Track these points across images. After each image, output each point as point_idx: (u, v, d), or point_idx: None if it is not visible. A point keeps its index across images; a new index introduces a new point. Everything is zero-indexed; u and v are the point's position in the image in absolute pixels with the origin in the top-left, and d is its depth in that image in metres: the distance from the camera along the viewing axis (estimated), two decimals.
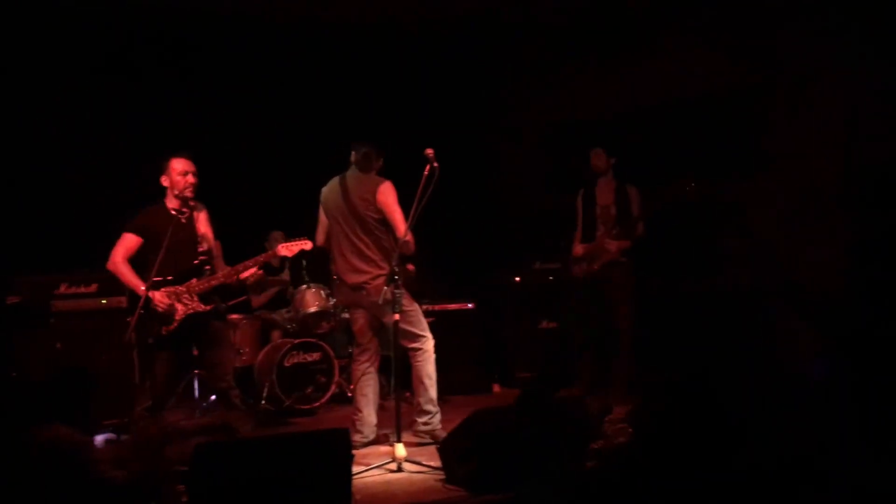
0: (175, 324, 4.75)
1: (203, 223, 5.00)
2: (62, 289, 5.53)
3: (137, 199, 6.01)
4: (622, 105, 7.25)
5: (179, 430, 4.98)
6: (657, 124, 7.02)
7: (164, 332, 4.73)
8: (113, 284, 5.66)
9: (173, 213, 4.88)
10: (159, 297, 4.72)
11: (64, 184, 6.35)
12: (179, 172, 4.88)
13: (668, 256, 6.86)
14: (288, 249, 5.08)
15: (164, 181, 4.91)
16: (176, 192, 4.89)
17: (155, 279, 4.69)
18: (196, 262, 4.87)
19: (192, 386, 6.10)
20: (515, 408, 4.43)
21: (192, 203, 4.95)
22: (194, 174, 4.90)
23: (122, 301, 5.64)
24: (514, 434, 4.17)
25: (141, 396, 4.76)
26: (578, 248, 6.25)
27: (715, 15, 6.40)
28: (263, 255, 5.03)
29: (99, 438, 5.00)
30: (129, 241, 4.82)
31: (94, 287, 5.60)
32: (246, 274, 4.98)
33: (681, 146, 6.79)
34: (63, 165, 6.38)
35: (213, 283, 4.88)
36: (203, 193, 5.04)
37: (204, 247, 4.93)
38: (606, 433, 4.71)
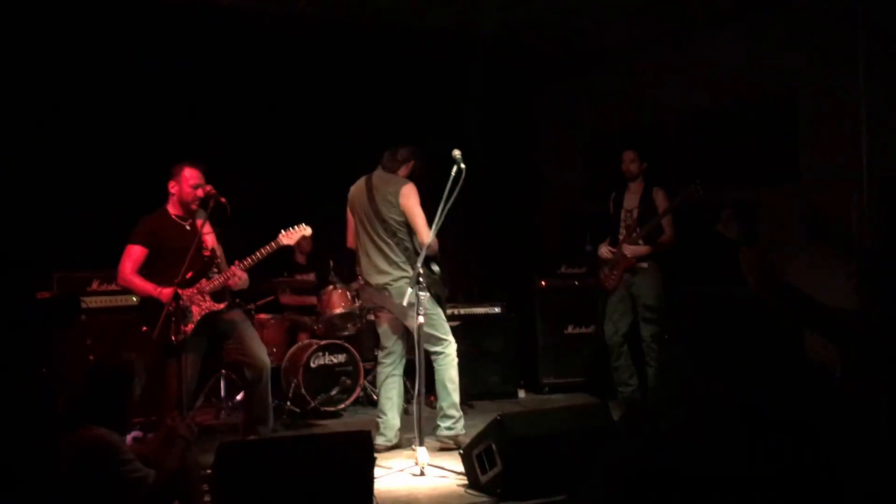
0: (191, 325, 4.70)
1: (203, 224, 4.81)
2: (93, 285, 5.59)
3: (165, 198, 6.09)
4: (657, 114, 7.25)
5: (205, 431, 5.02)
6: (690, 133, 6.99)
7: (178, 337, 4.62)
8: None
9: (177, 219, 4.84)
10: (172, 295, 4.58)
11: (95, 181, 6.40)
12: (191, 184, 4.77)
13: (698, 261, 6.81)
14: (289, 237, 4.88)
15: (172, 188, 4.82)
16: (182, 201, 4.80)
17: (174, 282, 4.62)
18: (201, 264, 4.78)
19: (219, 386, 6.14)
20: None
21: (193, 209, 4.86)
22: (202, 188, 4.78)
23: None
24: (540, 441, 4.15)
25: (169, 396, 4.76)
26: (603, 251, 6.18)
27: (743, 27, 6.40)
28: (266, 246, 4.84)
29: (127, 437, 5.04)
30: (135, 253, 4.73)
31: None
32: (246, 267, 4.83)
33: (712, 155, 6.76)
34: (93, 163, 6.42)
35: (223, 280, 4.80)
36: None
37: (208, 250, 4.83)
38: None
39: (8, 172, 5.99)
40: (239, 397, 6.20)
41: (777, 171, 6.24)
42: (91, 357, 5.01)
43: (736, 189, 6.50)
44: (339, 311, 6.40)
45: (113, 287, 5.62)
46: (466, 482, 4.37)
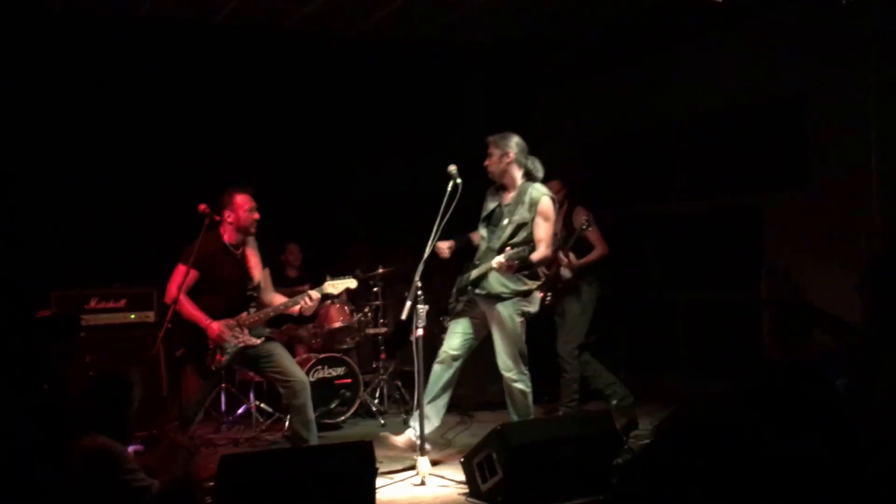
0: (227, 357, 4.78)
1: (252, 254, 4.95)
2: (92, 303, 5.65)
3: (165, 217, 6.12)
4: (656, 119, 7.24)
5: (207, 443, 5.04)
6: (690, 138, 6.99)
7: (214, 366, 4.76)
8: (141, 300, 5.79)
9: (230, 247, 4.88)
10: (220, 331, 4.72)
11: (90, 201, 6.45)
12: (247, 209, 4.80)
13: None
14: (334, 287, 5.00)
15: (228, 216, 4.83)
16: (240, 227, 4.84)
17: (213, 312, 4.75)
18: (244, 297, 4.86)
19: (220, 400, 6.16)
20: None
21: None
22: (257, 209, 4.86)
23: (150, 316, 5.76)
24: (540, 449, 4.18)
25: (169, 409, 4.81)
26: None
27: (749, 28, 6.34)
28: (311, 292, 4.93)
29: (129, 450, 5.06)
30: (188, 275, 4.68)
31: (122, 302, 5.73)
32: (296, 309, 4.95)
33: (716, 160, 6.74)
34: (88, 182, 6.47)
35: (263, 317, 4.88)
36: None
37: (253, 281, 4.90)
38: (632, 448, 4.71)
39: (5, 193, 6.04)
40: (240, 411, 6.23)
41: (783, 177, 6.17)
42: (91, 373, 5.05)
43: (740, 195, 6.47)
44: (337, 324, 6.44)
45: (111, 305, 5.67)
46: (467, 491, 4.39)
